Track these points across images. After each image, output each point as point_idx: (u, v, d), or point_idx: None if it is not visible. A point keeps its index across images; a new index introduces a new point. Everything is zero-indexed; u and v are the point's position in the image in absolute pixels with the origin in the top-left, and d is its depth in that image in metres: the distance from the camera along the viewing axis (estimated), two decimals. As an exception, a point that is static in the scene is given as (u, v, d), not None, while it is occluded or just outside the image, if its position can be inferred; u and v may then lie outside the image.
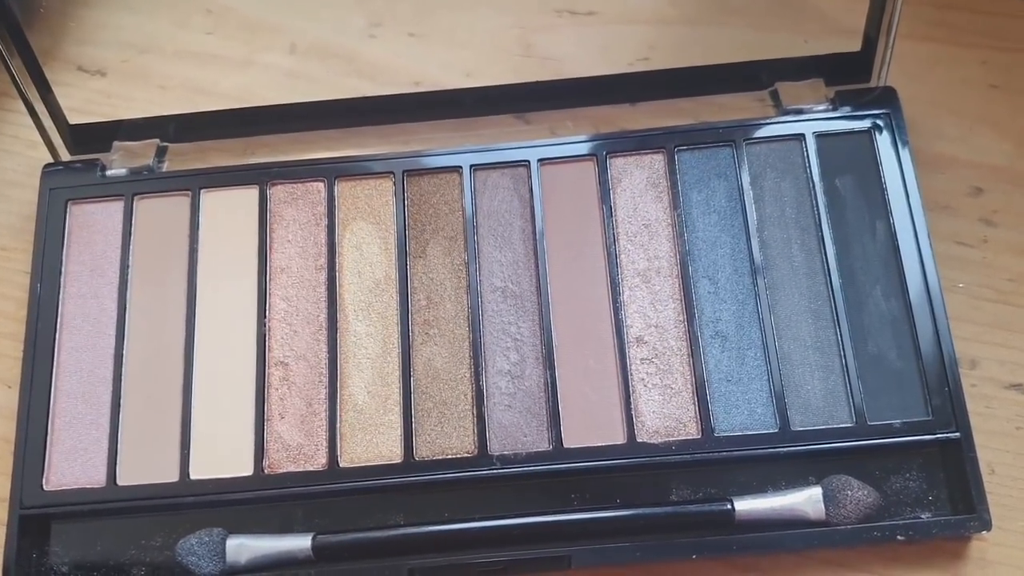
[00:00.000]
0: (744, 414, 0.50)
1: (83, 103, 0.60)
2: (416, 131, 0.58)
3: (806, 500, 0.48)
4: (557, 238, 0.54)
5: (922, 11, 0.59)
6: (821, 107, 0.56)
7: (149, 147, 0.58)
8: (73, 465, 0.51)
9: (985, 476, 0.49)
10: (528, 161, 0.55)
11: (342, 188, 0.56)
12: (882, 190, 0.53)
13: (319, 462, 0.50)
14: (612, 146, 0.55)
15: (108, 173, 0.57)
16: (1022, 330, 0.53)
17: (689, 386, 0.51)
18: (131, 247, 0.55)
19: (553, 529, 0.48)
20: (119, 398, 0.52)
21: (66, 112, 0.57)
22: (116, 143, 0.58)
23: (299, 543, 0.48)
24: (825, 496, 0.48)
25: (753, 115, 0.56)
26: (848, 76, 0.56)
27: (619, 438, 0.50)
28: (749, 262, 0.53)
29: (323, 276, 0.54)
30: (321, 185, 0.56)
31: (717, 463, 0.49)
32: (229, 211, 0.55)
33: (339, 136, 0.58)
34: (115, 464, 0.51)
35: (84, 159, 0.57)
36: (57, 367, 0.53)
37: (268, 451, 0.51)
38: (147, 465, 0.51)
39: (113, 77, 0.61)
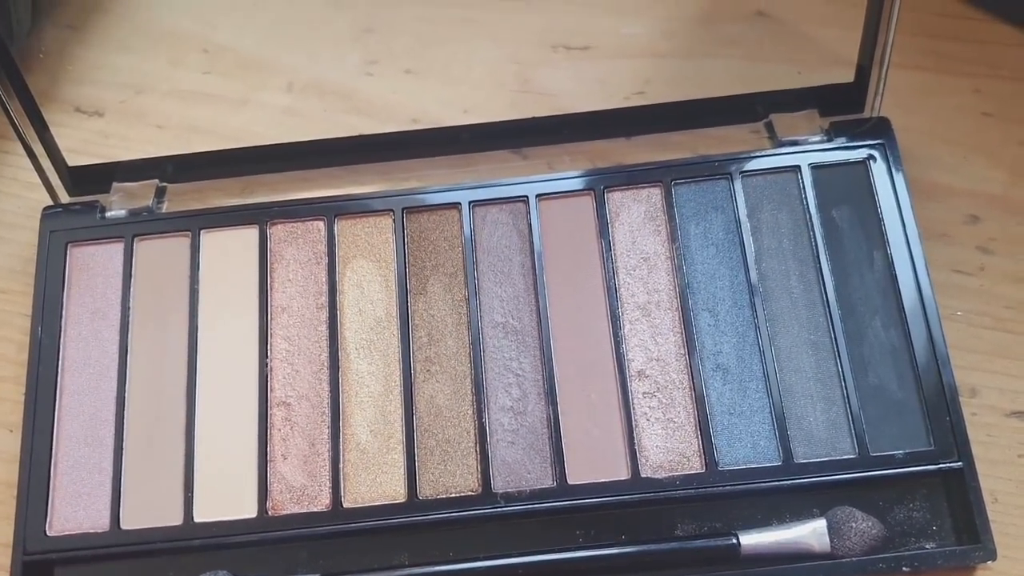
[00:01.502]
0: (747, 447, 0.50)
1: (81, 144, 0.60)
2: (415, 167, 0.58)
3: (811, 533, 0.48)
4: (557, 273, 0.54)
5: (915, 41, 0.60)
6: (816, 138, 0.56)
7: (148, 188, 0.58)
8: (76, 509, 0.51)
9: (988, 505, 0.49)
10: (526, 196, 0.55)
11: (342, 226, 0.56)
12: (879, 220, 0.54)
13: (323, 503, 0.50)
14: (609, 180, 0.55)
15: (108, 215, 0.57)
16: (1021, 357, 0.53)
17: (692, 420, 0.51)
18: (132, 289, 0.55)
19: (559, 567, 0.48)
20: (122, 441, 0.52)
21: (65, 153, 0.57)
22: (115, 184, 0.58)
23: (304, 585, 0.48)
24: (830, 528, 0.48)
25: (749, 147, 0.57)
26: (842, 106, 0.56)
27: (623, 474, 0.50)
28: (748, 294, 0.53)
29: (324, 315, 0.54)
30: (321, 224, 0.56)
31: (721, 497, 0.49)
32: (229, 251, 0.55)
33: (338, 174, 0.59)
34: (118, 508, 0.51)
35: (83, 201, 0.57)
36: (59, 411, 0.53)
37: (272, 492, 0.51)
38: (151, 508, 0.51)
39: (111, 117, 0.62)
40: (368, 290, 0.54)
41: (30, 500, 0.51)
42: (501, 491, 0.50)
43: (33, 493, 0.51)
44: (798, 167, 0.55)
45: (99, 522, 0.50)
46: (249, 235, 0.56)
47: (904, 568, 0.47)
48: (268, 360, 0.53)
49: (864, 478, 0.49)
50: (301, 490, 0.51)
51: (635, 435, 0.50)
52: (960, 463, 0.49)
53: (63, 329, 0.54)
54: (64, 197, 0.57)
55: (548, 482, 0.50)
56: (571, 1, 0.62)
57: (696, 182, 0.55)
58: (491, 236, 0.55)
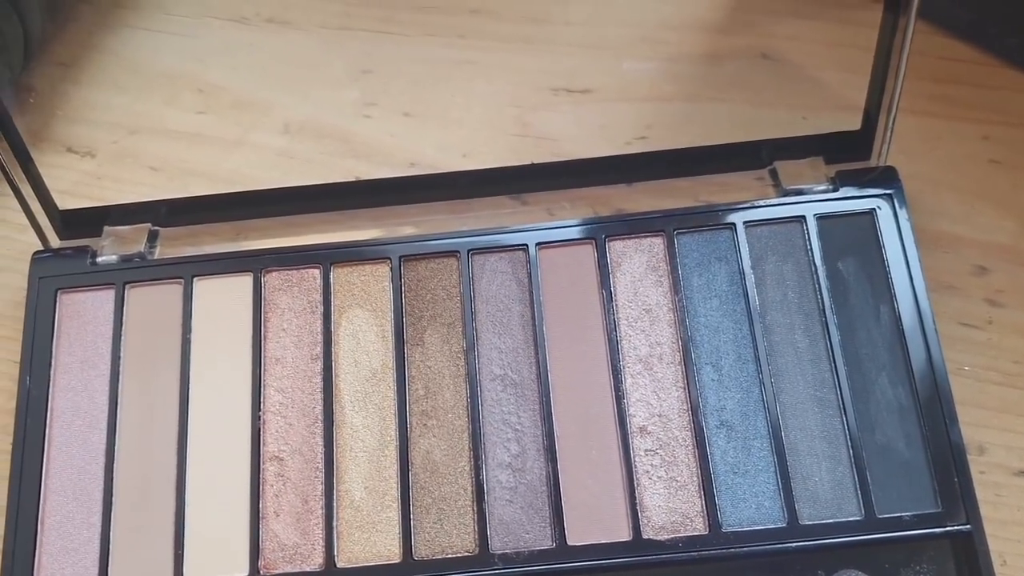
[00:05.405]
0: (752, 508, 0.49)
1: (73, 185, 0.59)
2: (412, 213, 0.57)
3: (816, 597, 0.47)
4: (557, 324, 0.53)
5: (923, 86, 0.59)
6: (821, 187, 0.55)
7: (140, 232, 0.57)
8: (63, 567, 0.50)
9: (997, 567, 0.48)
10: (526, 245, 0.54)
11: (338, 274, 0.55)
12: (885, 272, 0.53)
13: (316, 562, 0.49)
14: (611, 229, 0.54)
15: (99, 260, 0.56)
16: (1030, 414, 0.52)
17: (695, 479, 0.50)
18: (123, 338, 0.54)
19: (557, 632, 0.47)
20: (111, 496, 0.51)
21: (56, 195, 0.56)
22: (107, 228, 0.57)
23: (297, 649, 0.47)
24: (835, 593, 0.47)
25: (753, 194, 0.56)
26: (848, 154, 0.55)
27: (624, 535, 0.49)
28: (752, 348, 0.52)
29: (319, 366, 0.53)
30: (316, 272, 0.55)
31: (725, 559, 0.48)
32: (222, 300, 0.54)
33: (333, 218, 0.58)
34: (107, 565, 0.49)
35: (74, 245, 0.56)
36: (47, 463, 0.51)
37: (264, 551, 0.49)
38: (140, 567, 0.49)
39: (103, 158, 0.60)
40: (364, 340, 0.53)
41: (16, 555, 0.50)
42: (499, 552, 0.49)
43: (19, 548, 0.50)
44: (803, 217, 0.54)
45: (86, 580, 0.49)
46: (243, 283, 0.55)
47: (911, 635, 0.46)
48: (261, 413, 0.52)
49: (870, 540, 0.48)
50: (294, 549, 0.49)
51: (637, 494, 0.49)
52: (968, 526, 0.48)
53: (52, 379, 0.53)
54: (55, 240, 0.56)
55: (547, 543, 0.49)
56: (572, 43, 0.61)
57: (699, 232, 0.54)
58: (490, 285, 0.54)
